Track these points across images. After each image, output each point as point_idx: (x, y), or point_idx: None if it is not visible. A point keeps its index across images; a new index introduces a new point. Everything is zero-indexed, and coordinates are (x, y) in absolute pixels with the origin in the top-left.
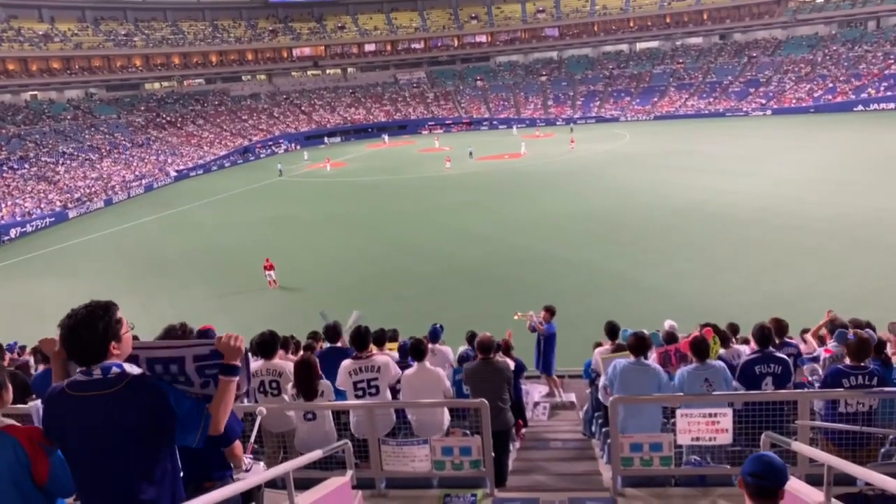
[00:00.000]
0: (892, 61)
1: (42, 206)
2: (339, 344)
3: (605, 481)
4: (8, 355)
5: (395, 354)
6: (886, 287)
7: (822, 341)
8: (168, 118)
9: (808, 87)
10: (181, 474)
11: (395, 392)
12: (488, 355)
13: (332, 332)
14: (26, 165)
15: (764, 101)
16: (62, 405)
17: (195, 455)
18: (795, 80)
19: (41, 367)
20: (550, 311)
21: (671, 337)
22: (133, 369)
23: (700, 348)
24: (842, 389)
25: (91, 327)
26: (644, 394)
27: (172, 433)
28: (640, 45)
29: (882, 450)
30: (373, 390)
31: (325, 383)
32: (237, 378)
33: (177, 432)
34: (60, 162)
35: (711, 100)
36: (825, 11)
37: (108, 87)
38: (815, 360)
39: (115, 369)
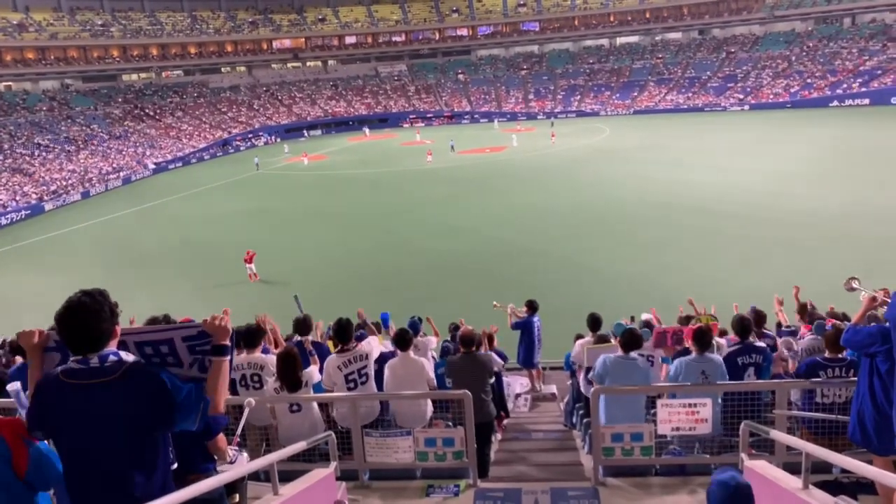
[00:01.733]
0: (866, 58)
1: (17, 198)
2: (309, 336)
3: (587, 471)
4: None
5: (379, 345)
6: (862, 279)
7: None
8: (146, 110)
9: (785, 82)
10: (173, 466)
11: (378, 376)
12: (470, 349)
13: (303, 324)
14: (0, 157)
15: (742, 97)
16: (57, 393)
17: (179, 448)
18: (773, 76)
19: (17, 361)
20: (530, 306)
21: (647, 326)
22: (129, 357)
23: (703, 339)
24: (817, 380)
25: (95, 314)
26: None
27: (172, 419)
28: (620, 40)
29: None
30: (363, 378)
31: (307, 372)
32: (228, 357)
33: (177, 418)
34: (36, 154)
35: (690, 94)
36: (802, 8)
37: (85, 79)
38: (793, 333)
39: (112, 357)
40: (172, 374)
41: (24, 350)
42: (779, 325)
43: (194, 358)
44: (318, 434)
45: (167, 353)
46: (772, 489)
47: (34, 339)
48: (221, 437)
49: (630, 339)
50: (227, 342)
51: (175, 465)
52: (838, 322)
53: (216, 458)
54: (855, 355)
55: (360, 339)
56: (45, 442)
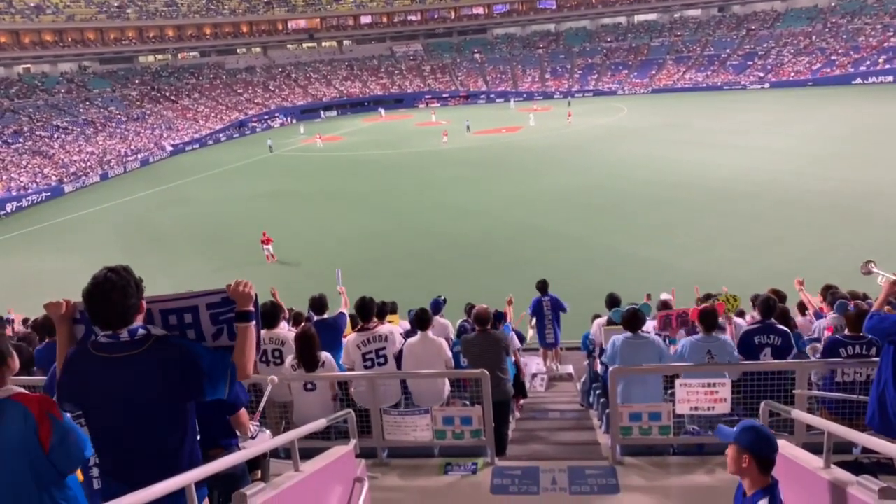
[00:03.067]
0: (891, 34)
1: (38, 180)
2: (325, 316)
3: (604, 450)
4: (9, 327)
5: (406, 325)
6: (883, 260)
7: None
8: (163, 91)
9: (807, 59)
10: (198, 437)
11: (397, 360)
12: (485, 327)
13: (318, 304)
14: (20, 139)
15: (762, 75)
16: (88, 365)
17: (201, 423)
18: (794, 53)
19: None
20: (539, 286)
21: (665, 306)
22: (157, 330)
23: (709, 319)
24: (837, 360)
25: (122, 289)
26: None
27: (202, 388)
28: (638, 18)
29: None
30: (381, 360)
31: (326, 355)
32: (252, 323)
33: (206, 387)
34: (55, 136)
35: (709, 73)
36: None
37: (102, 60)
38: (817, 340)
39: (140, 331)
40: (200, 345)
41: (48, 329)
42: (801, 304)
43: (217, 329)
44: (330, 414)
45: (191, 322)
46: (793, 468)
47: (61, 309)
48: (244, 412)
49: (631, 320)
50: (251, 308)
51: (199, 437)
52: (860, 302)
53: (238, 433)
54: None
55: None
56: (70, 418)
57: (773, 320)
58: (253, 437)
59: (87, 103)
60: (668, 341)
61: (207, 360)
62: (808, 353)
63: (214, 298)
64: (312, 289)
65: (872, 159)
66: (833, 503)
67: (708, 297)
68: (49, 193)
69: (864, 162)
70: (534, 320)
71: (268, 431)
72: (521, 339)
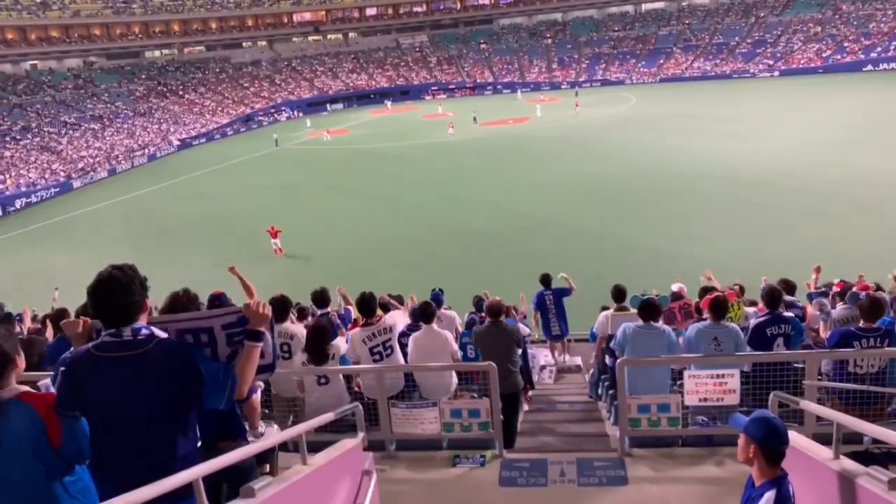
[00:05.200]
0: None
1: (46, 176)
2: (328, 310)
3: (613, 442)
4: (19, 325)
5: (405, 319)
6: (893, 249)
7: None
8: (169, 86)
9: (817, 47)
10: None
11: (402, 348)
12: (497, 318)
13: (321, 298)
14: (29, 136)
15: (771, 63)
16: (88, 367)
17: (209, 415)
18: (804, 41)
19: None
20: (541, 280)
21: (678, 297)
22: (160, 333)
23: (719, 308)
24: (849, 350)
25: (126, 287)
26: (654, 356)
27: (199, 396)
28: (645, 6)
29: (889, 408)
30: (388, 351)
31: (335, 345)
32: (261, 344)
33: (204, 396)
34: (63, 132)
35: (718, 61)
36: None
37: (108, 56)
38: (825, 294)
39: (143, 331)
40: (204, 353)
41: (57, 322)
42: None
43: (232, 351)
44: (344, 405)
45: (206, 342)
46: (802, 459)
47: (78, 328)
48: (256, 398)
49: (646, 309)
50: (263, 329)
51: (199, 444)
52: (872, 292)
53: (247, 422)
54: (889, 324)
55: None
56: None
57: (780, 310)
58: (261, 434)
59: (94, 99)
60: (677, 334)
61: (210, 370)
62: (814, 307)
63: (230, 318)
64: (319, 282)
65: (885, 147)
66: (842, 494)
67: (706, 290)
68: (57, 189)
69: (877, 149)
70: (538, 314)
71: (276, 426)
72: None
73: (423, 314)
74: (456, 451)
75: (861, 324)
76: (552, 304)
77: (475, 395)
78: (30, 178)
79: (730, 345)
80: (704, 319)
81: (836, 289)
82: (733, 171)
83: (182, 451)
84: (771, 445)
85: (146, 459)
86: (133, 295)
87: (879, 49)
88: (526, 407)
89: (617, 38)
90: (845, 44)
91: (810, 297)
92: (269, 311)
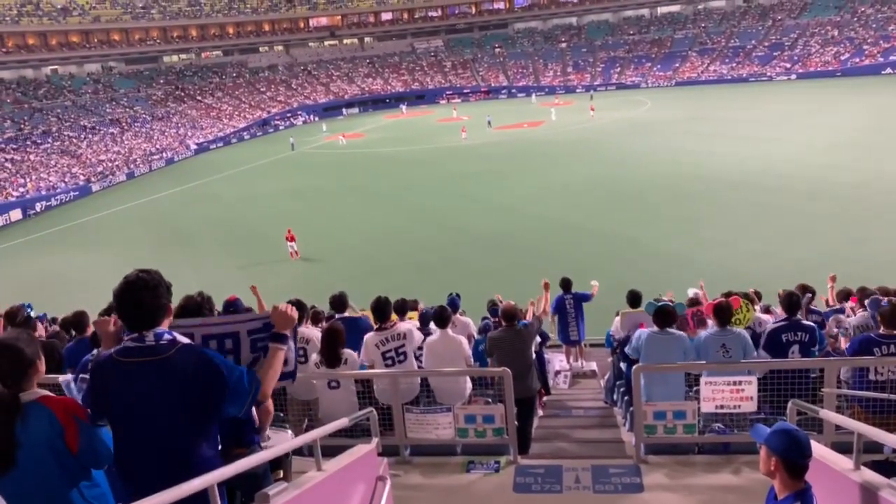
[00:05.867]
0: None
1: (66, 179)
2: (346, 313)
3: (628, 448)
4: (40, 326)
5: (416, 323)
6: None
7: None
8: (187, 91)
9: (835, 50)
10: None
11: (417, 358)
12: (512, 323)
13: (339, 302)
14: (49, 140)
15: (789, 66)
16: (111, 372)
17: (224, 422)
18: (822, 44)
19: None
20: (562, 284)
21: (694, 304)
22: (183, 338)
23: (723, 313)
24: (869, 357)
25: (152, 290)
26: (669, 362)
27: (222, 402)
28: (661, 10)
29: None
30: (401, 357)
31: (349, 352)
32: (286, 347)
33: (226, 402)
34: (82, 136)
35: (734, 65)
36: None
37: (127, 61)
38: (841, 311)
39: (166, 336)
40: (227, 359)
41: (76, 326)
42: (827, 303)
43: (255, 357)
44: (355, 412)
45: (231, 349)
46: (822, 469)
47: (110, 326)
48: (270, 402)
49: (661, 315)
50: (288, 332)
51: (220, 447)
52: (894, 298)
53: (261, 426)
54: None
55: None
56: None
57: (798, 316)
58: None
59: (113, 103)
60: (691, 341)
61: (233, 375)
62: (831, 325)
63: (256, 324)
64: (335, 285)
65: None
66: None
67: (729, 294)
68: (77, 193)
69: (895, 154)
70: (556, 318)
71: (290, 431)
72: (546, 337)
73: (439, 319)
74: (470, 457)
75: (881, 330)
76: (572, 308)
77: (490, 401)
78: (50, 181)
79: (738, 351)
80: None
81: (851, 303)
82: (750, 174)
83: (203, 456)
84: (793, 458)
85: (168, 464)
86: (159, 298)
87: None
88: (540, 412)
89: (632, 42)
90: (864, 47)
91: (826, 315)
92: (295, 314)
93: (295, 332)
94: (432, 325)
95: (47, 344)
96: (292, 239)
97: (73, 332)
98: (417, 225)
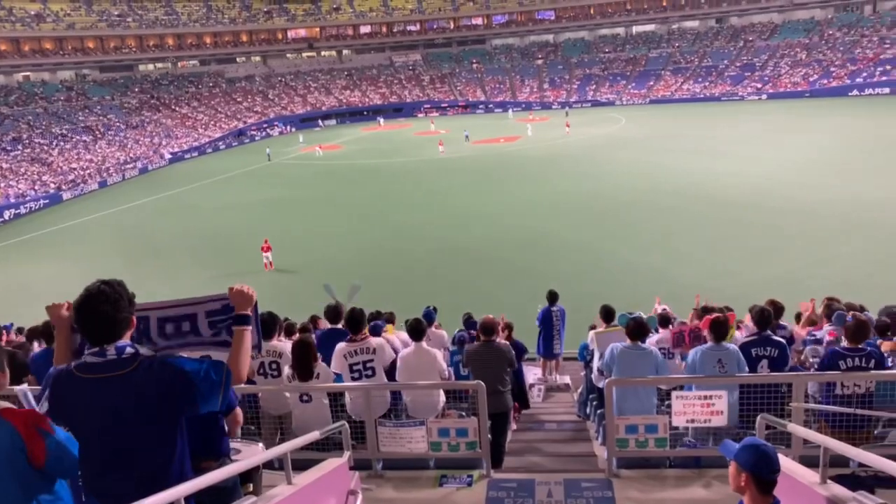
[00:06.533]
0: (887, 46)
1: (36, 187)
2: (340, 325)
3: (601, 462)
4: (5, 336)
5: (403, 335)
6: (879, 271)
7: (813, 324)
8: (162, 100)
9: (804, 71)
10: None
11: (390, 371)
12: (490, 337)
13: (334, 312)
14: (19, 147)
15: (759, 86)
16: (71, 388)
17: (192, 432)
18: (791, 65)
19: (39, 346)
20: (549, 297)
21: (664, 320)
22: (145, 350)
23: (720, 328)
24: (835, 372)
25: (114, 302)
26: (641, 377)
27: (195, 402)
28: (636, 29)
29: (876, 431)
30: (369, 372)
31: (323, 366)
32: (251, 327)
33: (199, 401)
34: (54, 144)
35: (707, 84)
36: None
37: (102, 69)
38: (818, 342)
39: (128, 349)
40: (190, 359)
41: (45, 335)
42: (798, 315)
43: (214, 333)
44: (328, 425)
45: (188, 331)
46: (789, 483)
47: (62, 309)
48: (238, 411)
49: (636, 329)
50: (249, 311)
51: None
52: (858, 313)
53: (230, 434)
54: (874, 345)
55: (375, 331)
56: (62, 430)
57: (769, 332)
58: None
59: (87, 111)
60: (682, 357)
61: (200, 375)
62: (808, 354)
63: (215, 305)
64: (309, 297)
65: (870, 170)
66: None
67: (706, 309)
68: (47, 201)
69: (862, 173)
70: (540, 330)
71: (260, 444)
72: (523, 350)
73: (414, 331)
74: (443, 471)
75: (846, 343)
76: (558, 320)
77: (463, 414)
78: (19, 189)
79: (733, 366)
80: (704, 342)
81: (829, 337)
82: (723, 191)
83: (172, 471)
84: (762, 473)
85: (134, 479)
86: (120, 311)
87: (865, 74)
88: (514, 426)
89: (608, 60)
90: (831, 69)
91: (805, 343)
92: (253, 292)
93: (256, 308)
94: (408, 337)
95: (9, 353)
96: (268, 249)
97: (44, 342)
98: (394, 237)
